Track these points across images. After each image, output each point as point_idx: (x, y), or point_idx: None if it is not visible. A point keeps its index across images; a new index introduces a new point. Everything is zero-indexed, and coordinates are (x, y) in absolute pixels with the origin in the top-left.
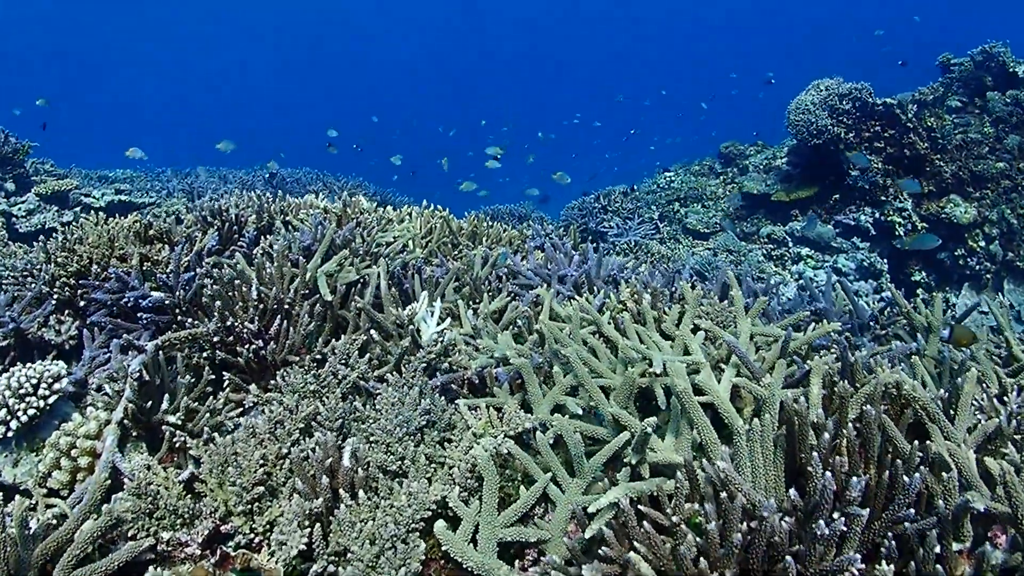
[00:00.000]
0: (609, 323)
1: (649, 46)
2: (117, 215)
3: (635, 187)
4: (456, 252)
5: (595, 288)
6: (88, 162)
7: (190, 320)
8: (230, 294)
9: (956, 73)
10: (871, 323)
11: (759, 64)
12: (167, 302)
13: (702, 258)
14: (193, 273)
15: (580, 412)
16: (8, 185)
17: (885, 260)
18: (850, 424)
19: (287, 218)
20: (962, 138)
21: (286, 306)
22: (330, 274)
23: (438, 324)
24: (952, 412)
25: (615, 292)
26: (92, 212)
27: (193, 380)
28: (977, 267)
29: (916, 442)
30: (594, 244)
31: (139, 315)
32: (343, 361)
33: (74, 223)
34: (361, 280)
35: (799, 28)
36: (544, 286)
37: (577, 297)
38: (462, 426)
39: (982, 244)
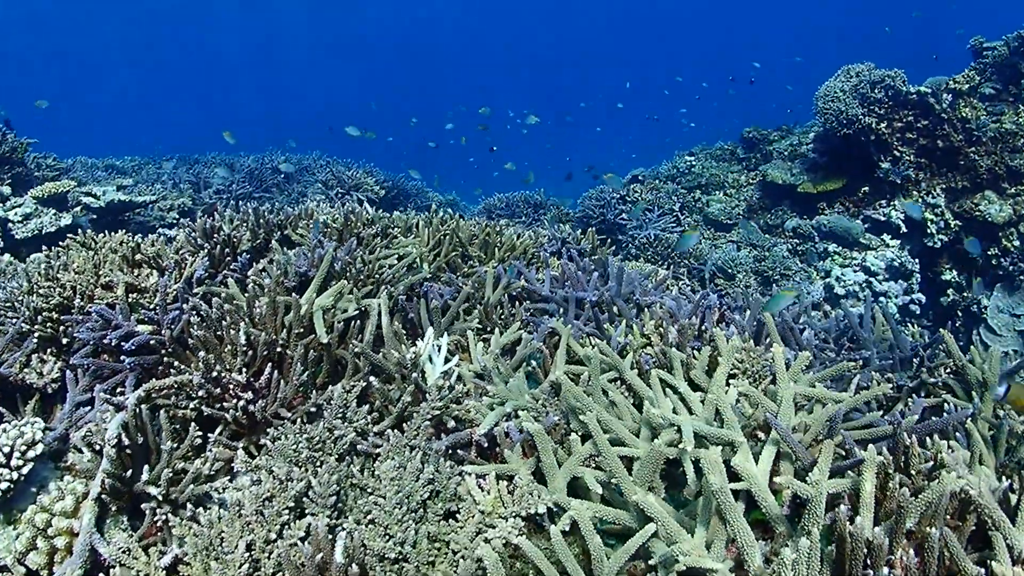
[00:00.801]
0: (633, 367)
1: (670, 31)
2: (108, 232)
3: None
4: (467, 267)
5: (616, 309)
6: (96, 151)
7: (176, 363)
8: (217, 335)
9: (989, 58)
10: (914, 359)
11: (783, 49)
12: (152, 341)
13: (725, 253)
14: (180, 308)
15: (600, 490)
16: (3, 189)
17: (916, 260)
18: (906, 541)
19: (286, 232)
20: (997, 130)
21: (279, 349)
22: (327, 308)
23: (445, 361)
24: (1016, 510)
25: (638, 322)
26: (80, 232)
27: (175, 444)
28: (1011, 268)
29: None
30: (612, 246)
31: (126, 353)
32: (340, 414)
33: (61, 245)
34: (362, 311)
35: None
36: (561, 312)
37: (597, 332)
38: (469, 501)
39: (1016, 244)
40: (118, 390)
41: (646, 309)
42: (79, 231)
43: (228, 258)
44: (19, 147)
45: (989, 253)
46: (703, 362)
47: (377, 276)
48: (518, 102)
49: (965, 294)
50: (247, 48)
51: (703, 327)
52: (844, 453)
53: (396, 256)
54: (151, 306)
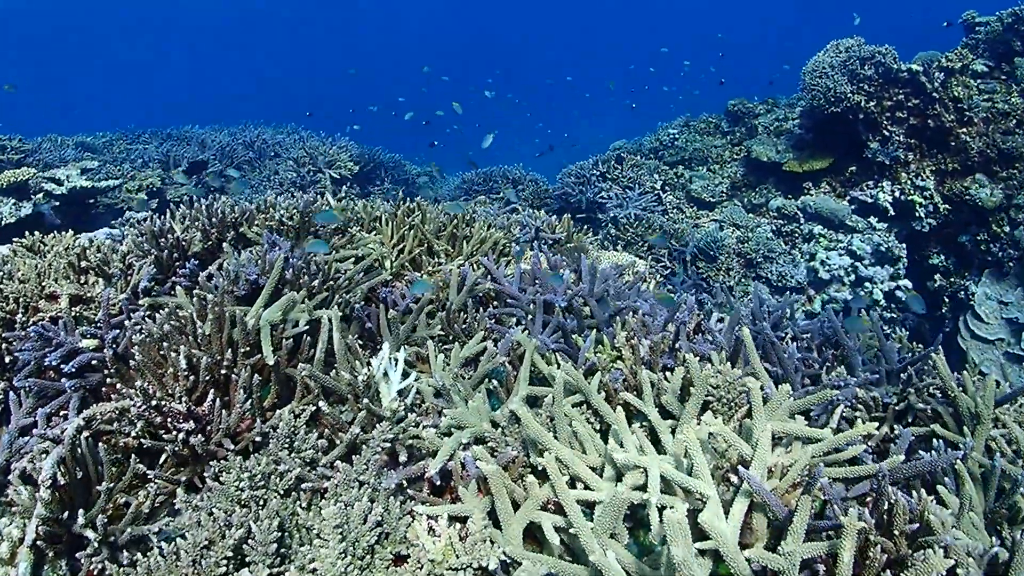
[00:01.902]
0: (601, 388)
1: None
2: (57, 232)
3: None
4: (432, 265)
5: (588, 310)
6: (76, 127)
7: (120, 385)
8: (160, 355)
9: (982, 34)
10: (901, 373)
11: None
12: (94, 361)
13: (707, 233)
14: (122, 324)
15: (556, 541)
16: None
17: (903, 245)
18: None
19: (242, 230)
20: (989, 110)
21: (223, 372)
22: (276, 324)
23: (404, 376)
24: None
25: (609, 332)
26: (26, 235)
27: (113, 484)
28: (1000, 254)
29: None
30: (590, 228)
31: (66, 375)
32: (286, 444)
33: (8, 247)
34: (317, 321)
35: None
36: (528, 319)
37: (565, 347)
38: (420, 546)
39: (1007, 230)
40: (61, 413)
41: (618, 317)
42: (25, 234)
43: (178, 263)
44: None
45: (978, 238)
46: (675, 385)
47: (332, 283)
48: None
49: (952, 279)
50: (233, 19)
51: (677, 343)
52: (823, 500)
53: (355, 257)
54: (97, 319)
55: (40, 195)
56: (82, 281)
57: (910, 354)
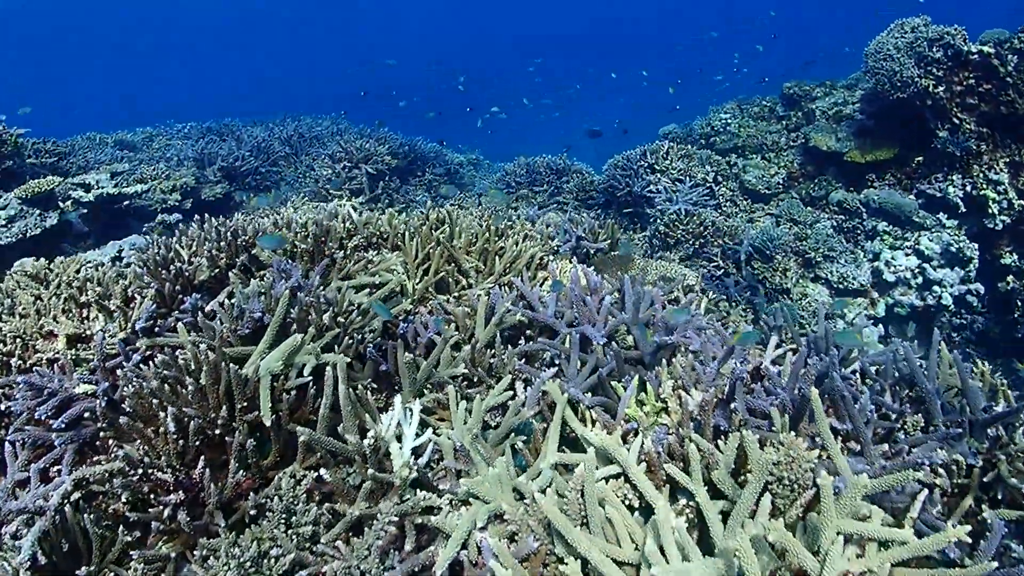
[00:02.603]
0: (641, 460)
1: None
2: (64, 259)
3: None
4: (459, 288)
5: (631, 340)
6: (117, 122)
7: (112, 441)
8: (151, 411)
9: None
10: (986, 427)
11: None
12: (86, 414)
13: (763, 231)
14: (114, 374)
15: None
16: None
17: (975, 245)
18: None
19: (255, 251)
20: None
21: (218, 431)
22: (277, 375)
23: (419, 431)
24: None
25: (654, 377)
26: (31, 262)
27: (100, 559)
28: None
29: None
30: (637, 224)
31: (55, 431)
32: (284, 519)
33: (10, 276)
34: (325, 365)
35: None
36: (562, 358)
37: (603, 400)
38: None
39: None
40: (55, 468)
41: (665, 351)
42: (28, 263)
43: (180, 294)
44: (8, 140)
45: None
46: (728, 458)
47: (344, 320)
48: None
49: None
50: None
51: (732, 403)
52: None
53: (373, 285)
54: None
55: (68, 203)
56: (84, 315)
57: (995, 401)
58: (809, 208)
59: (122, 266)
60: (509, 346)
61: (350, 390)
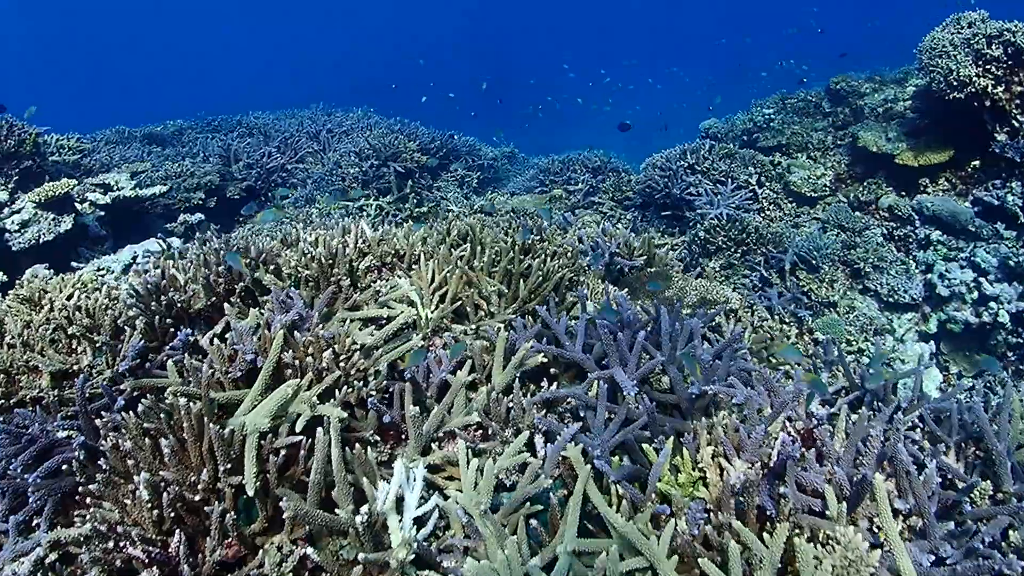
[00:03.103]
0: (673, 553)
1: None
2: (63, 277)
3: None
4: (477, 317)
5: (667, 380)
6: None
7: (91, 499)
8: (126, 472)
9: None
10: None
11: None
12: (65, 466)
13: (809, 238)
14: (99, 415)
15: None
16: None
17: None
18: None
19: (257, 275)
20: None
21: (198, 498)
22: (266, 433)
23: (422, 498)
24: None
25: (692, 441)
26: (28, 279)
27: None
28: None
29: None
30: (676, 225)
31: (31, 487)
32: None
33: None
34: (320, 418)
35: None
36: (587, 410)
37: (631, 473)
38: None
39: None
40: (35, 522)
41: (702, 415)
42: (27, 279)
43: (172, 327)
44: (27, 139)
45: None
46: (774, 556)
47: (346, 364)
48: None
49: None
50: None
51: (782, 487)
52: None
53: (381, 320)
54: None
55: (86, 204)
56: (72, 348)
57: None
58: (858, 213)
59: (127, 280)
60: (531, 386)
61: (347, 450)
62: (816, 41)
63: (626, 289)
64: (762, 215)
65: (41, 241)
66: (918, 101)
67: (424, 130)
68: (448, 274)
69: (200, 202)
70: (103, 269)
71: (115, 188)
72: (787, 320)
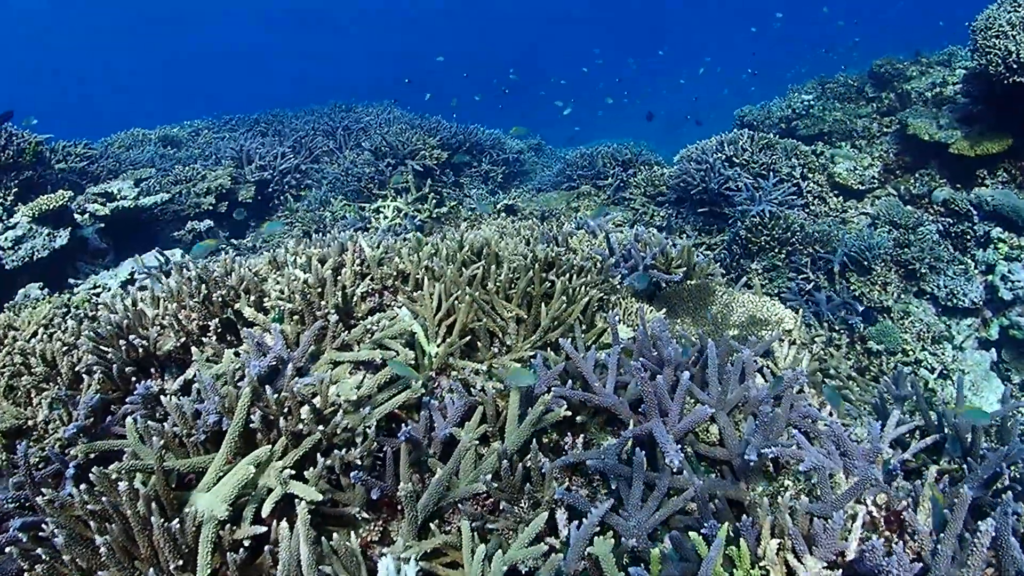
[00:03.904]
0: None
1: None
2: (32, 307)
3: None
4: (492, 351)
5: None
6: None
7: None
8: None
9: None
10: None
11: None
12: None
13: (859, 237)
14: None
15: None
16: None
17: None
18: None
19: (238, 306)
20: None
21: None
22: (224, 520)
23: None
24: None
25: (751, 528)
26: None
27: None
28: None
29: None
30: (714, 222)
31: None
32: None
33: None
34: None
35: None
36: (620, 481)
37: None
38: None
39: None
40: None
41: (758, 485)
42: (35, 287)
43: (133, 380)
44: (28, 148)
45: None
46: None
47: (327, 428)
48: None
49: None
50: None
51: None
52: None
53: (374, 364)
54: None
55: (86, 215)
56: (30, 397)
57: None
58: (909, 207)
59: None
60: (553, 435)
61: (324, 541)
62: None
63: (664, 309)
64: (806, 211)
65: (35, 258)
66: (970, 85)
67: (446, 124)
68: (458, 300)
69: (211, 207)
70: (99, 287)
71: (117, 196)
72: (837, 328)
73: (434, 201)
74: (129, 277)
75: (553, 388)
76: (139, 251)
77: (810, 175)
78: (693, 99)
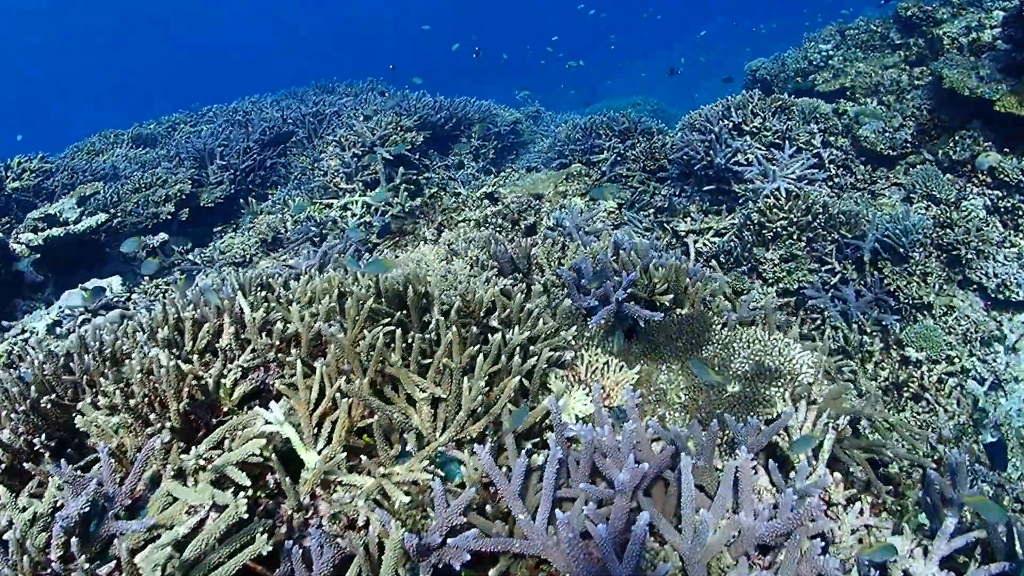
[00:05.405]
0: None
1: None
2: None
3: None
4: (390, 460)
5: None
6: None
7: None
8: None
9: None
10: None
11: None
12: None
13: (894, 219)
14: None
15: None
16: None
17: None
18: None
19: (81, 404)
20: None
21: None
22: None
23: None
24: None
25: None
26: None
27: None
28: None
29: None
30: (722, 198)
31: None
32: None
33: None
34: None
35: None
36: None
37: None
38: None
39: None
40: None
41: None
42: None
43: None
44: None
45: None
46: None
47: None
48: None
49: None
50: None
51: None
52: None
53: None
54: None
55: (22, 246)
56: None
57: None
58: (949, 176)
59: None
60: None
61: None
62: None
63: (641, 362)
64: (830, 183)
65: None
66: (1012, 28)
67: (429, 99)
68: (340, 391)
69: (169, 216)
70: (26, 331)
71: (59, 218)
72: (868, 330)
73: (405, 194)
74: (56, 320)
75: (450, 540)
76: (83, 279)
77: (832, 140)
78: (680, 61)
